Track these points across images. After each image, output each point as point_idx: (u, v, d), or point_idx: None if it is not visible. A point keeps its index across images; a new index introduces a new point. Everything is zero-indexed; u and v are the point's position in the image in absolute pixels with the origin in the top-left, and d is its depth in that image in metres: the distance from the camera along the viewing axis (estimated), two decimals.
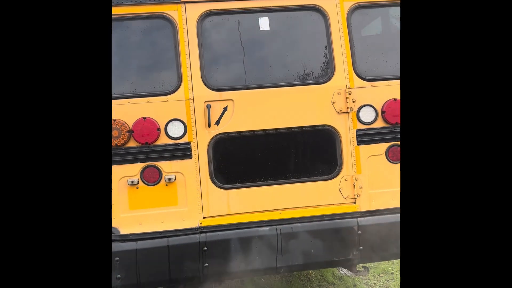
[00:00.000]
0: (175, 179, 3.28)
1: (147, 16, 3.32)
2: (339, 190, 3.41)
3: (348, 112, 3.45)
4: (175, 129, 3.29)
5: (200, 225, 3.35)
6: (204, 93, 3.33)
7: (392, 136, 3.46)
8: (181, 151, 3.30)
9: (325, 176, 3.43)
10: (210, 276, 3.33)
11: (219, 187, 3.36)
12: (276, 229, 3.38)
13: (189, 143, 3.32)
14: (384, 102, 3.43)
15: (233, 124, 3.33)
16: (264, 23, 3.41)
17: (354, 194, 3.46)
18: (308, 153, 3.51)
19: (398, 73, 3.47)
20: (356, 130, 3.46)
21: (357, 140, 3.45)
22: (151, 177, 3.28)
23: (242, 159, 3.43)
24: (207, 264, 3.29)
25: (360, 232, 3.40)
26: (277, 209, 3.38)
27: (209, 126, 3.28)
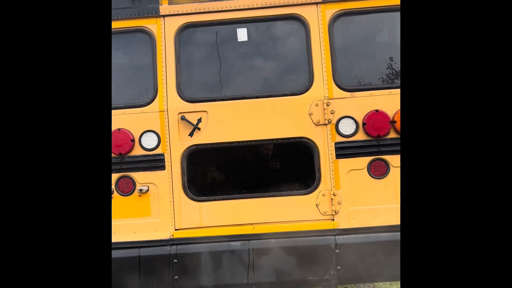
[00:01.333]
0: (147, 190, 3.29)
1: (127, 30, 3.40)
2: (316, 206, 3.24)
3: (326, 124, 3.28)
4: (149, 140, 3.31)
5: (171, 237, 3.33)
6: (178, 105, 3.33)
7: (374, 149, 3.24)
8: (155, 162, 3.31)
9: (302, 191, 3.28)
10: None
11: (192, 199, 3.32)
12: (248, 244, 3.28)
13: (162, 154, 3.32)
14: (365, 114, 3.23)
15: (207, 135, 3.29)
16: (242, 34, 3.37)
17: (332, 210, 3.27)
18: (284, 166, 3.39)
19: (381, 83, 3.28)
20: (335, 143, 3.28)
21: (336, 153, 3.27)
22: (125, 188, 3.32)
23: (216, 171, 3.40)
24: (177, 277, 3.26)
25: (337, 251, 3.20)
26: (251, 223, 3.28)
27: (191, 135, 3.29)
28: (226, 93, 3.37)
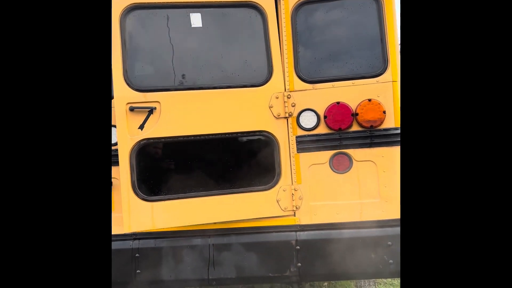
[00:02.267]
0: (113, 184, 3.26)
1: None
2: (277, 202, 3.16)
3: (287, 117, 3.17)
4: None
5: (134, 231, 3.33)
6: (126, 94, 3.04)
7: (337, 143, 3.11)
8: (115, 157, 3.26)
9: (262, 187, 3.18)
10: (142, 283, 3.30)
11: (143, 199, 3.08)
12: (209, 240, 3.24)
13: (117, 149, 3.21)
14: (326, 106, 3.10)
15: (159, 129, 3.04)
16: (196, 19, 3.15)
17: (293, 206, 3.18)
18: (244, 161, 3.28)
19: (344, 73, 3.12)
20: (296, 137, 3.16)
21: (297, 147, 3.16)
22: None
23: (170, 168, 3.20)
24: (139, 271, 3.26)
25: (298, 247, 3.13)
26: (209, 224, 3.20)
27: (142, 128, 3.06)
28: (180, 83, 3.13)
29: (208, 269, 3.21)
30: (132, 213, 3.08)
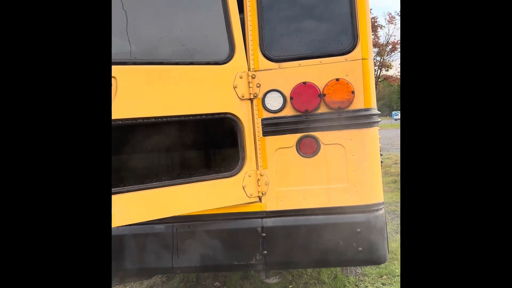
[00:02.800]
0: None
1: None
2: (243, 188, 3.02)
3: (251, 99, 3.00)
4: None
5: None
6: None
7: (303, 125, 2.95)
8: None
9: (228, 173, 3.03)
10: None
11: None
12: (172, 227, 3.12)
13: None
14: (292, 87, 2.93)
15: (115, 109, 2.66)
16: None
17: (259, 192, 3.05)
18: (208, 147, 3.14)
19: (312, 51, 2.94)
20: (262, 119, 3.01)
21: (262, 130, 3.01)
22: None
23: (127, 155, 2.95)
24: None
25: (264, 234, 3.00)
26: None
27: None
28: (137, 56, 2.85)
29: (172, 257, 3.10)
30: None
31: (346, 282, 4.76)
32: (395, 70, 48.05)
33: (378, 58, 44.31)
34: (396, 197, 8.33)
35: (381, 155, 3.21)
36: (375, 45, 41.61)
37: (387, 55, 45.48)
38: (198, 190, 2.93)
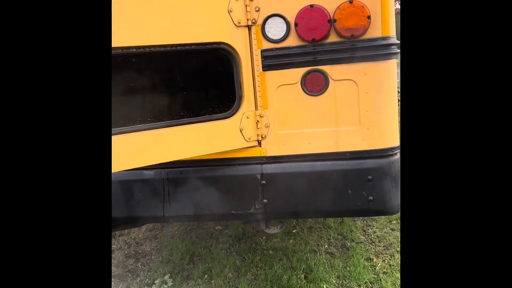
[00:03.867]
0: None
1: None
2: (240, 131, 2.66)
3: (249, 26, 2.56)
4: None
5: None
6: None
7: (310, 58, 2.53)
8: None
9: (223, 114, 2.65)
10: None
11: None
12: (162, 173, 2.81)
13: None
14: (297, 11, 2.47)
15: None
16: None
17: (258, 135, 2.69)
18: (201, 83, 2.75)
19: None
20: (261, 51, 2.58)
21: (262, 64, 2.59)
22: None
23: (114, 93, 2.64)
24: None
25: (264, 182, 2.69)
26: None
27: None
28: None
29: (164, 205, 2.83)
30: None
31: (353, 227, 4.55)
32: None
33: None
34: None
35: (398, 92, 2.81)
36: None
37: None
38: (190, 134, 2.55)
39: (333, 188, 2.62)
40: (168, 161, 2.49)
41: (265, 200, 2.70)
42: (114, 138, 2.32)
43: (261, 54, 2.58)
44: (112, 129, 2.34)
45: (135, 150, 2.42)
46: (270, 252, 4.12)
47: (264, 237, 4.45)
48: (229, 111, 2.64)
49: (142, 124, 2.47)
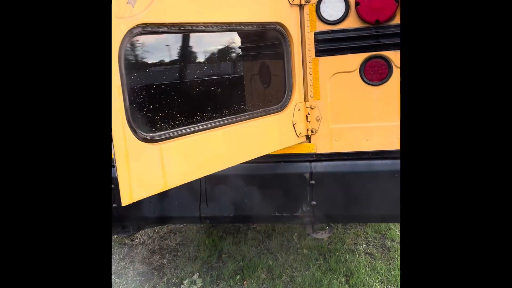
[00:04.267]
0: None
1: None
2: (293, 126, 2.35)
3: (302, 5, 2.24)
4: None
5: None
6: None
7: (372, 42, 2.21)
8: None
9: (276, 107, 2.32)
10: (124, 220, 2.71)
11: (144, 139, 1.74)
12: None
13: None
14: None
15: (156, 9, 1.71)
16: None
17: (308, 130, 2.39)
18: (260, 73, 2.44)
19: None
20: (315, 33, 2.26)
21: (315, 48, 2.28)
22: None
23: (170, 81, 2.20)
24: (115, 205, 2.65)
25: (313, 182, 2.40)
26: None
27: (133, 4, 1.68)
28: None
29: (200, 205, 2.57)
30: (133, 169, 1.69)
31: (391, 225, 4.25)
32: None
33: None
34: None
35: None
36: None
37: None
38: (247, 132, 2.15)
39: (391, 191, 2.32)
40: (230, 165, 2.09)
41: (313, 202, 2.42)
42: (189, 139, 1.91)
43: (314, 37, 2.26)
44: (186, 127, 1.95)
45: (208, 153, 1.99)
46: (305, 251, 3.86)
47: (295, 234, 4.19)
48: (281, 103, 2.32)
49: (192, 125, 1.99)
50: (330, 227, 2.68)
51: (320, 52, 2.27)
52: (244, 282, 3.46)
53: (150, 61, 2.13)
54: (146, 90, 2.02)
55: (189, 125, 1.97)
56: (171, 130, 1.87)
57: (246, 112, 2.21)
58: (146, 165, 1.75)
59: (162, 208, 2.61)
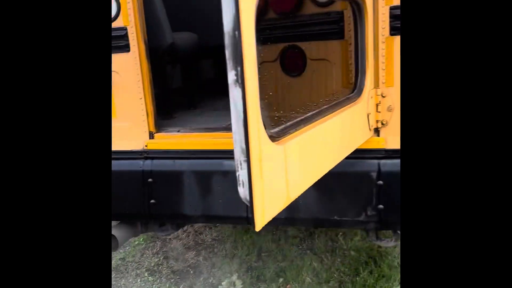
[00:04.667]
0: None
1: None
2: (367, 116, 2.01)
3: None
4: None
5: (145, 147, 2.40)
6: None
7: None
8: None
9: (353, 94, 1.95)
10: (156, 215, 2.45)
11: (271, 137, 1.32)
12: None
13: (124, 28, 2.22)
14: None
15: None
16: None
17: (378, 122, 2.05)
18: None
19: None
20: (391, 8, 1.91)
21: (390, 25, 1.93)
22: None
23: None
24: (154, 201, 2.39)
25: (381, 182, 2.07)
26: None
27: None
28: None
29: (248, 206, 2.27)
30: (266, 178, 1.30)
31: None
32: None
33: None
34: None
35: None
36: None
37: None
38: (332, 129, 1.73)
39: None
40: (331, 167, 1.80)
41: (380, 206, 2.09)
42: (305, 135, 1.52)
43: (389, 12, 1.91)
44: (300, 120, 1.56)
45: (317, 150, 1.66)
46: (352, 253, 3.54)
47: (341, 233, 3.87)
48: (356, 91, 1.96)
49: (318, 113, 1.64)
50: (396, 234, 2.34)
51: (397, 29, 1.92)
52: (288, 286, 3.18)
53: None
54: None
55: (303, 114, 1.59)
56: (288, 124, 1.46)
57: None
58: (275, 172, 1.35)
59: (205, 206, 2.34)
